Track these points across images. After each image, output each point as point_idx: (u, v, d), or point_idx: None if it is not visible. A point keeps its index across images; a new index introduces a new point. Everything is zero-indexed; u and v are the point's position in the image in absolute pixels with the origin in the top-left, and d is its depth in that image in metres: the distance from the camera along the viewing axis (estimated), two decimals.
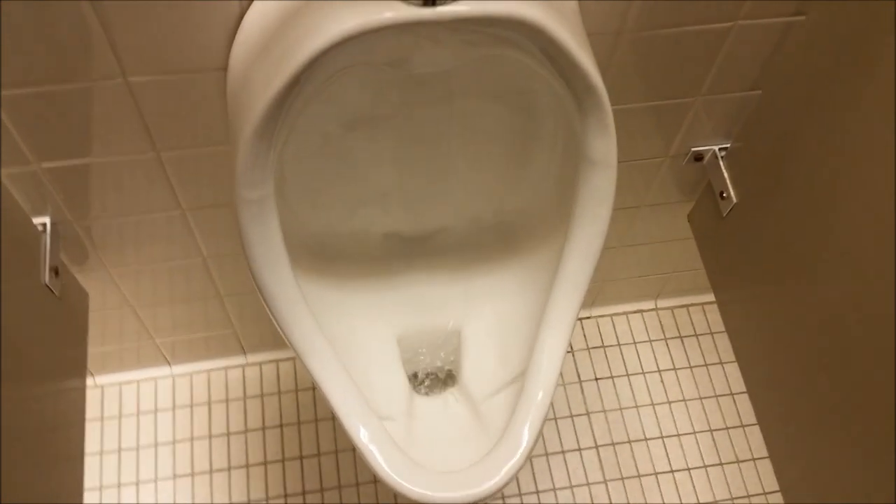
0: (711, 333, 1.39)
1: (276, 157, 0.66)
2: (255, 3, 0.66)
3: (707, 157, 0.98)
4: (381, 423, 0.74)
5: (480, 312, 0.89)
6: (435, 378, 0.90)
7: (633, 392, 1.33)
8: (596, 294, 1.34)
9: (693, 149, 0.97)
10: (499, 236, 0.88)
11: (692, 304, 1.40)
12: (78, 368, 0.99)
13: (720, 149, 0.97)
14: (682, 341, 1.38)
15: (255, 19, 0.67)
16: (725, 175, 0.96)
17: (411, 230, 0.89)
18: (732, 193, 0.95)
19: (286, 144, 0.72)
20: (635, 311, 1.40)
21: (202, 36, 0.69)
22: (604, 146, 0.68)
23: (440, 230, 0.90)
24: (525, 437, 0.74)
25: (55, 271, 0.88)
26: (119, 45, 0.68)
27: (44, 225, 0.89)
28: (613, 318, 1.39)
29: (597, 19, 0.75)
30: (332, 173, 0.81)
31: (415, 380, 0.89)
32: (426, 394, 0.88)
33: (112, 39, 0.67)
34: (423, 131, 0.79)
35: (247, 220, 0.67)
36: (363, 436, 0.73)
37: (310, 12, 0.59)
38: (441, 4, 0.56)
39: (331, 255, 0.87)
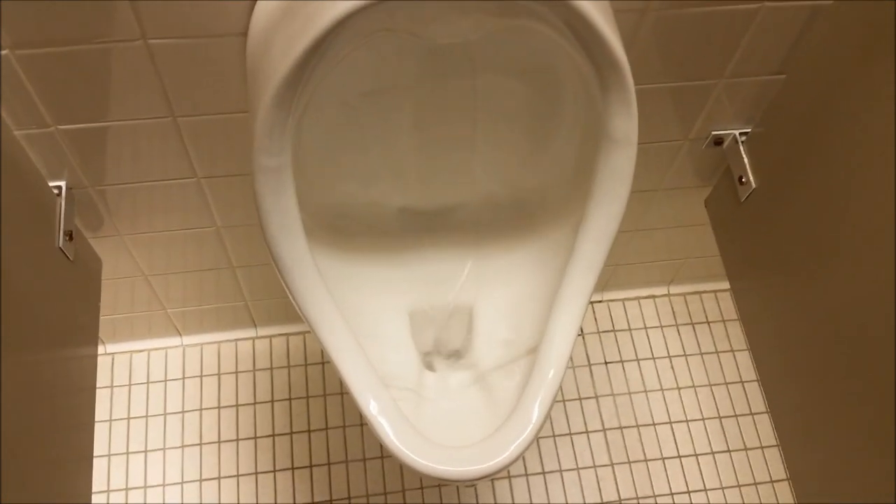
0: (724, 321, 1.38)
1: (295, 125, 0.65)
2: None
3: (727, 142, 0.97)
4: (391, 396, 0.74)
5: (493, 290, 0.89)
6: (446, 354, 0.89)
7: (642, 377, 1.33)
8: (608, 278, 1.33)
9: (713, 132, 0.96)
10: (514, 214, 0.88)
11: (705, 292, 1.40)
12: (90, 335, 0.99)
13: (741, 133, 0.96)
14: (693, 328, 1.37)
15: None
16: (745, 160, 0.95)
17: (427, 205, 0.89)
18: (752, 179, 0.94)
19: (305, 113, 0.71)
20: (647, 297, 1.39)
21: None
22: (625, 124, 0.67)
23: (456, 206, 0.89)
24: (535, 414, 0.74)
25: (69, 235, 0.88)
26: (140, 6, 0.67)
27: (59, 188, 0.89)
28: (625, 302, 1.38)
29: None
30: (350, 145, 0.80)
31: (425, 355, 0.89)
32: (436, 369, 0.88)
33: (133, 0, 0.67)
34: (442, 105, 0.78)
35: (263, 189, 0.67)
36: (373, 408, 0.73)
37: None
38: None
39: (345, 228, 0.86)
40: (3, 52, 0.70)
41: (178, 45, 0.73)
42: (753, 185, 0.93)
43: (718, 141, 0.97)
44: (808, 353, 0.89)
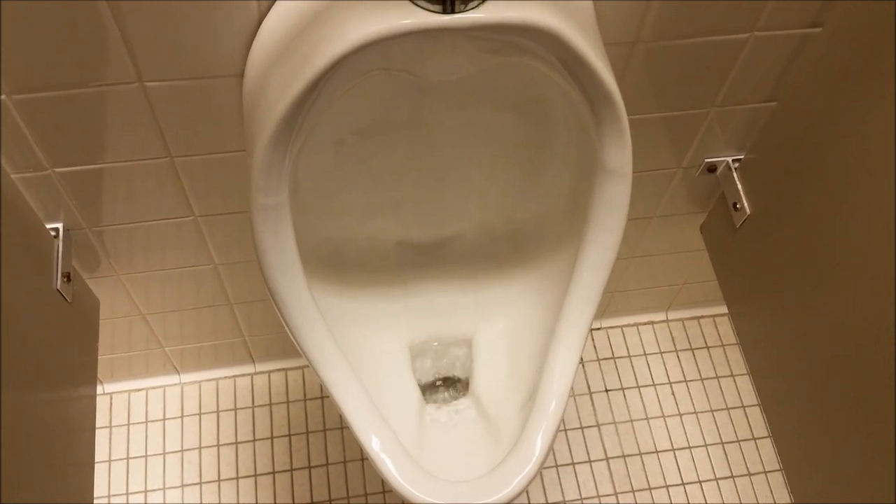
0: (722, 346, 1.38)
1: (292, 164, 0.66)
2: (273, 9, 0.66)
3: (720, 169, 0.98)
4: (393, 432, 0.73)
5: (492, 322, 0.89)
6: (446, 387, 0.89)
7: (643, 404, 1.33)
8: (606, 305, 1.33)
9: (706, 160, 0.97)
10: (511, 245, 0.88)
11: (703, 317, 1.40)
12: (88, 375, 0.99)
13: (734, 160, 0.97)
14: (692, 353, 1.37)
15: (274, 25, 0.67)
16: (739, 186, 0.95)
17: (423, 238, 0.89)
18: (746, 205, 0.94)
19: (301, 152, 0.72)
20: (646, 323, 1.39)
21: (219, 41, 0.69)
22: (620, 155, 0.68)
23: (452, 238, 0.89)
24: (538, 446, 0.73)
25: (67, 277, 0.88)
26: (136, 49, 0.68)
27: (57, 230, 0.89)
28: (624, 329, 1.38)
29: (613, 29, 0.74)
30: (346, 180, 0.81)
31: (426, 389, 0.89)
32: (437, 403, 0.88)
33: (129, 44, 0.67)
34: (436, 139, 0.79)
35: (261, 227, 0.67)
36: (375, 445, 0.73)
37: (329, 18, 0.59)
38: (460, 12, 0.56)
39: (343, 263, 0.86)
40: (1, 97, 0.71)
41: (174, 87, 0.73)
42: (748, 211, 0.94)
43: (712, 168, 0.98)
44: (808, 375, 0.89)
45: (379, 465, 0.73)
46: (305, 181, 0.78)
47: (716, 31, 0.77)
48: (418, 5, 0.56)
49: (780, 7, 0.76)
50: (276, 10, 0.66)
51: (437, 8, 0.56)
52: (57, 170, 0.81)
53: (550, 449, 0.75)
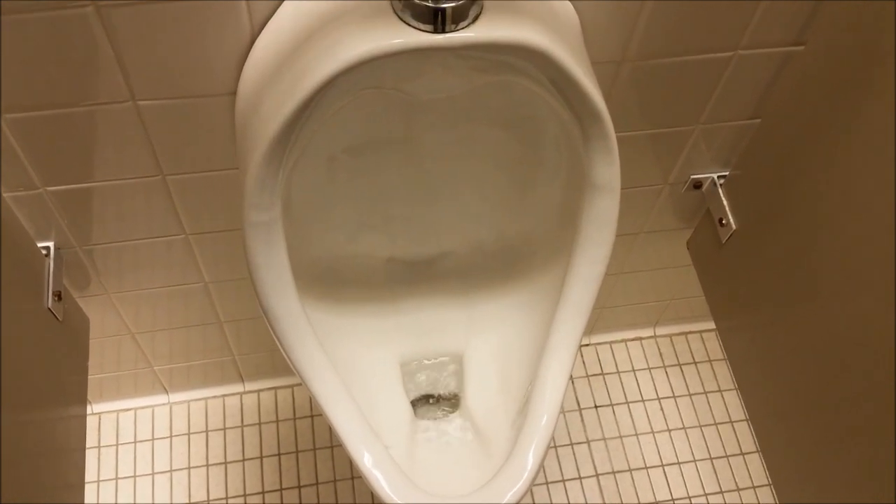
0: (710, 361, 1.39)
1: (285, 181, 0.66)
2: (265, 28, 0.67)
3: (706, 185, 0.99)
4: (385, 447, 0.73)
5: (483, 338, 0.89)
6: (437, 403, 0.90)
7: (632, 420, 1.33)
8: (595, 321, 1.34)
9: (692, 176, 0.99)
10: (501, 262, 0.89)
11: (690, 332, 1.41)
12: (79, 395, 0.98)
13: (719, 176, 0.98)
14: (681, 369, 1.38)
15: (266, 45, 0.67)
16: (724, 202, 0.97)
17: (414, 255, 0.90)
18: (731, 220, 0.95)
19: (294, 169, 0.73)
20: (634, 339, 1.40)
21: (212, 61, 0.70)
22: (608, 172, 0.69)
23: (443, 255, 0.90)
24: (530, 461, 0.74)
25: (58, 296, 0.88)
26: (129, 68, 0.69)
27: (48, 249, 0.89)
28: (612, 345, 1.39)
29: (599, 48, 0.76)
30: (338, 197, 0.81)
31: (417, 405, 0.89)
32: (428, 419, 0.88)
33: (122, 63, 0.68)
34: (427, 156, 0.80)
35: (254, 244, 0.67)
36: (367, 460, 0.73)
37: (322, 38, 0.60)
38: (451, 31, 0.57)
39: (334, 280, 0.87)
40: None
41: (166, 106, 0.74)
42: (734, 226, 0.95)
43: (697, 184, 0.99)
44: (795, 390, 0.90)
45: (371, 480, 0.73)
46: (297, 198, 0.78)
47: (700, 49, 0.79)
48: (410, 25, 0.57)
49: (764, 26, 0.77)
50: (269, 29, 0.67)
51: (429, 27, 0.57)
52: (49, 188, 0.81)
53: (542, 463, 0.76)
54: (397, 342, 0.89)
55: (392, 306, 0.90)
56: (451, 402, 0.90)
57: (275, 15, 0.66)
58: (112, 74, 0.69)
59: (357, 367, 0.86)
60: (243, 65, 0.70)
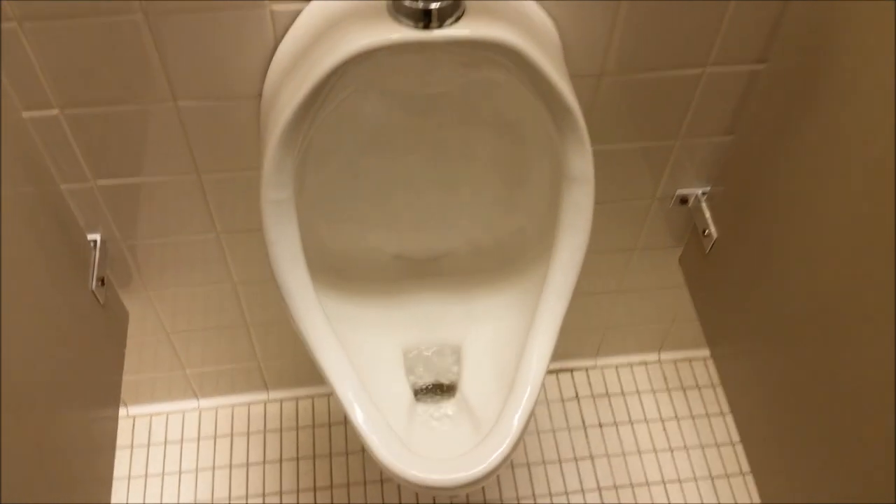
0: (713, 386, 1.44)
1: (299, 166, 0.77)
2: (286, 36, 0.79)
3: (692, 200, 1.08)
4: (378, 409, 0.81)
5: (480, 329, 0.97)
6: (436, 388, 0.97)
7: (636, 438, 1.38)
8: (600, 343, 1.41)
9: (679, 192, 1.07)
10: (497, 258, 0.97)
11: (694, 359, 1.47)
12: (114, 385, 1.07)
13: (703, 192, 1.06)
14: (684, 392, 1.44)
15: (286, 49, 0.79)
16: (707, 215, 1.05)
17: (419, 253, 0.99)
18: (713, 230, 1.03)
19: (307, 159, 0.83)
20: (639, 363, 1.46)
21: (241, 65, 0.81)
22: (581, 163, 0.78)
23: (445, 254, 0.99)
24: (515, 425, 0.81)
25: (101, 281, 0.98)
26: (171, 70, 0.81)
27: (94, 242, 1.00)
28: (618, 368, 1.46)
29: (581, 61, 0.86)
30: (347, 193, 0.92)
31: (417, 390, 0.97)
32: (427, 402, 0.96)
33: (166, 65, 0.80)
34: (427, 157, 0.90)
35: (270, 220, 0.77)
36: (360, 417, 0.80)
37: (326, 39, 0.71)
38: (436, 28, 0.68)
39: (345, 271, 0.96)
40: (54, 111, 0.83)
41: (202, 107, 0.86)
42: (715, 235, 1.03)
43: (684, 199, 1.08)
44: (785, 413, 0.93)
45: (368, 442, 0.81)
46: (311, 193, 0.89)
47: (672, 65, 0.88)
48: (402, 23, 0.68)
49: (728, 44, 0.87)
50: (289, 36, 0.79)
51: (419, 25, 0.68)
52: (99, 182, 0.93)
53: (526, 428, 0.83)
54: (401, 331, 0.98)
55: (398, 299, 0.99)
56: (448, 387, 0.97)
57: (294, 23, 0.78)
58: (157, 76, 0.81)
59: (363, 351, 0.94)
60: (268, 69, 0.82)
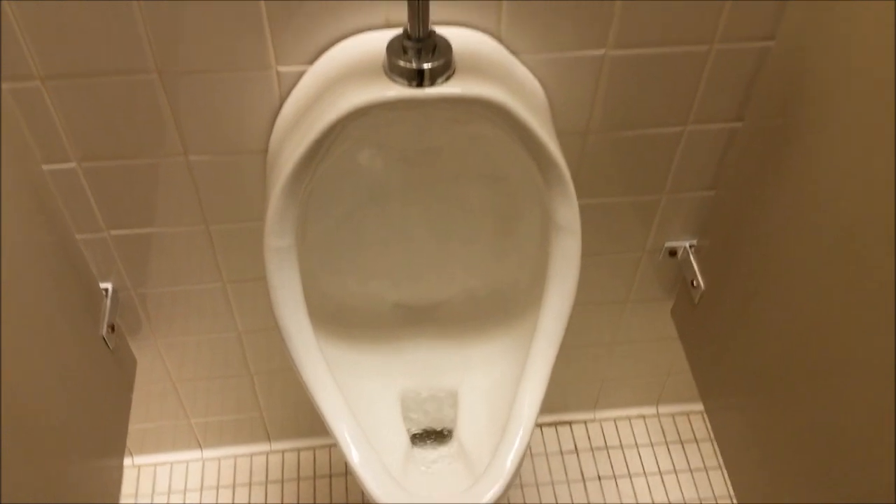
0: (711, 440, 1.46)
1: (299, 215, 0.81)
2: (290, 95, 0.85)
3: (680, 253, 1.12)
4: (375, 450, 0.84)
5: (476, 376, 1.01)
6: (432, 434, 1.00)
7: (634, 492, 1.39)
8: (597, 396, 1.43)
9: (667, 244, 1.11)
10: (491, 307, 1.01)
11: (692, 412, 1.48)
12: (120, 429, 1.10)
13: (690, 245, 1.10)
14: (682, 446, 1.45)
15: (289, 109, 0.85)
16: (695, 266, 1.09)
17: (417, 302, 1.03)
18: (701, 281, 1.07)
19: (308, 209, 0.88)
20: (637, 416, 1.48)
21: (249, 122, 0.87)
22: (568, 213, 0.82)
23: (442, 303, 1.03)
24: (508, 466, 0.84)
25: (111, 328, 1.03)
26: (184, 127, 0.86)
27: (106, 290, 1.05)
28: (616, 421, 1.47)
29: (566, 119, 0.91)
30: (348, 245, 0.96)
31: (413, 435, 1.00)
32: (423, 447, 0.98)
33: (179, 122, 0.86)
34: (423, 209, 0.95)
35: (273, 266, 0.82)
36: (356, 458, 0.83)
37: (326, 97, 0.77)
38: (428, 87, 0.73)
39: (345, 319, 1.00)
40: (72, 164, 0.89)
41: (212, 162, 0.91)
42: (703, 287, 1.06)
43: (672, 252, 1.12)
44: (779, 467, 0.95)
45: (363, 479, 0.83)
46: (313, 245, 0.93)
47: (654, 123, 0.94)
48: (397, 82, 0.74)
49: (706, 103, 0.92)
50: (293, 95, 0.84)
51: (413, 84, 0.74)
52: (112, 232, 0.98)
53: (519, 469, 0.85)
54: (399, 378, 1.01)
55: (397, 346, 1.03)
56: (444, 433, 1.00)
57: (297, 83, 0.84)
58: (170, 131, 0.87)
59: (361, 396, 0.97)
60: (273, 126, 0.87)
